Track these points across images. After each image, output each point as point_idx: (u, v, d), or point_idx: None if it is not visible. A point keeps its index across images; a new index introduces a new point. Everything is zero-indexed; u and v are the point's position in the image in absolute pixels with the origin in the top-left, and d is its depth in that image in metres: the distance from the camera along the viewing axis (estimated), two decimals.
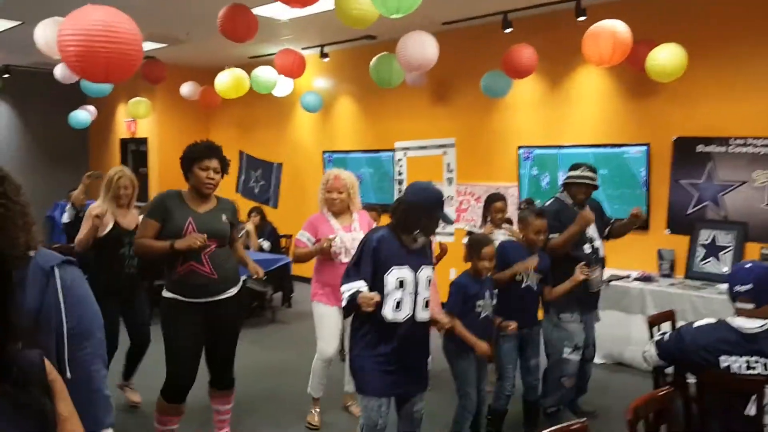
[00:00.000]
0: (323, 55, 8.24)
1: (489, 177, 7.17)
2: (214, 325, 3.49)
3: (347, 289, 2.92)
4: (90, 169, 8.60)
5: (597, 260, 4.16)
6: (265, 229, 7.93)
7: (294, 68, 6.90)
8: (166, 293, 3.47)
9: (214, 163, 3.45)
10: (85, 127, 10.21)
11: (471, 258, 3.55)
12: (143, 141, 11.01)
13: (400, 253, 2.99)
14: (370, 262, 2.94)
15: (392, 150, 8.00)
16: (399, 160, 7.72)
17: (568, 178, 4.17)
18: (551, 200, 4.27)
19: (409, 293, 2.99)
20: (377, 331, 2.97)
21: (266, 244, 7.77)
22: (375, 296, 2.84)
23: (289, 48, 7.05)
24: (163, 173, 10.71)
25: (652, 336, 3.41)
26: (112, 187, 4.33)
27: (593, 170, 4.15)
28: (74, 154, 11.61)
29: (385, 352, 2.97)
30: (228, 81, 7.19)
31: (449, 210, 7.35)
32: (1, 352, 1.15)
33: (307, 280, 8.88)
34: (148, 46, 7.97)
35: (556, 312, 4.05)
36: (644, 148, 5.98)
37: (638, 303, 5.38)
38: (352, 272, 2.96)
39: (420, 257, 3.06)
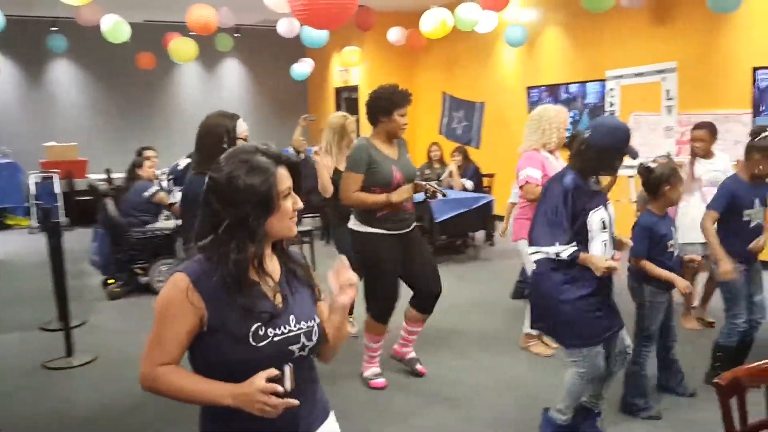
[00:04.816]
0: None
1: (716, 104, 6.41)
2: (411, 252, 3.75)
3: (562, 250, 2.81)
4: None
5: None
6: (468, 168, 7.98)
7: (498, 0, 6.72)
8: (368, 228, 3.69)
9: (407, 110, 3.66)
10: (305, 78, 11.06)
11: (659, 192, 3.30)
12: (355, 88, 11.62)
13: (591, 193, 2.90)
14: (571, 211, 2.84)
15: (603, 80, 7.50)
16: (611, 89, 7.23)
17: None
18: None
19: (610, 233, 2.92)
20: (591, 279, 2.85)
21: (469, 184, 7.83)
22: (612, 263, 2.80)
23: None
24: None
25: None
26: (347, 132, 4.56)
27: None
28: (295, 104, 12.64)
29: (596, 296, 2.89)
30: (433, 21, 7.25)
31: (669, 141, 6.76)
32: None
33: None
34: None
35: None
36: None
37: None
38: (557, 225, 2.83)
39: (602, 195, 2.97)
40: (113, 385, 3.99)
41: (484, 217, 7.21)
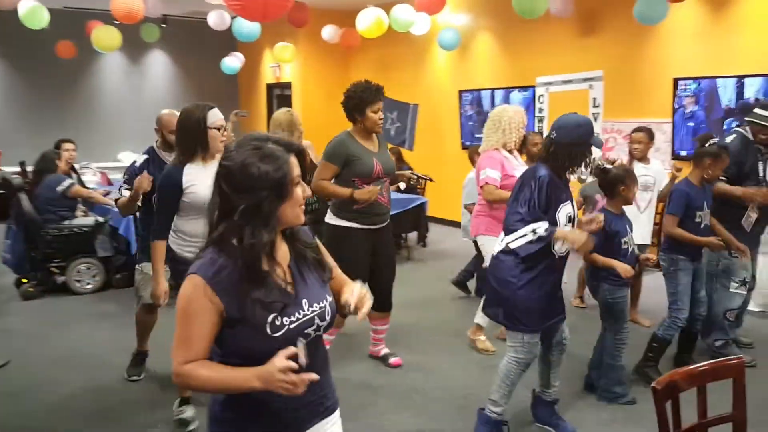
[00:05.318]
0: None
1: (640, 112, 6.68)
2: (378, 248, 3.89)
3: (538, 226, 2.90)
4: None
5: None
6: (402, 170, 7.94)
7: (433, 3, 6.76)
8: (343, 222, 3.80)
9: (381, 104, 3.77)
10: (235, 73, 10.76)
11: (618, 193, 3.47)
12: (287, 85, 11.43)
13: (563, 188, 3.03)
14: (545, 201, 2.94)
15: (533, 86, 7.68)
16: (540, 96, 7.41)
17: (757, 117, 3.95)
18: (734, 135, 4.09)
19: (572, 227, 3.04)
20: (547, 267, 3.00)
21: (402, 185, 7.84)
22: (585, 236, 2.92)
23: None
24: (307, 116, 11.07)
25: None
26: (296, 126, 4.62)
27: None
28: (226, 99, 12.29)
29: (548, 285, 3.04)
30: (368, 20, 7.21)
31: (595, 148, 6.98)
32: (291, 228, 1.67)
33: (441, 221, 8.95)
34: None
35: (726, 247, 3.97)
36: None
37: None
38: (531, 211, 2.93)
39: (569, 191, 3.10)
40: (28, 391, 3.73)
41: (417, 219, 7.24)
